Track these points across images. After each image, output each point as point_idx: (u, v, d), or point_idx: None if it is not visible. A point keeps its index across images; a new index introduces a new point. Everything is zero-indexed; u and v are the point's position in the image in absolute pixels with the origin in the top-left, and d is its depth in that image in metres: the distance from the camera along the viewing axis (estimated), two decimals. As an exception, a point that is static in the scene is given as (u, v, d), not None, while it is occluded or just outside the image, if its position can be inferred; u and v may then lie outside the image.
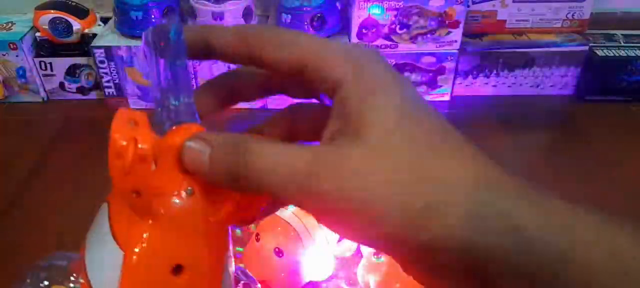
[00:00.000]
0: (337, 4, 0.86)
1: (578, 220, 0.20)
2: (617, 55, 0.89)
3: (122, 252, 0.23)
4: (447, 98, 0.93)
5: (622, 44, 0.92)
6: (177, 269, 0.23)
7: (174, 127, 0.24)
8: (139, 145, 0.22)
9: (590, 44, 0.91)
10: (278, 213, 0.58)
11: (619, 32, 0.95)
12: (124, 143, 0.22)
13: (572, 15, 0.92)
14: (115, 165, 0.22)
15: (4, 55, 0.89)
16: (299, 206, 0.22)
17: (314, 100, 0.28)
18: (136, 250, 0.23)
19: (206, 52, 0.26)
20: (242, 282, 0.44)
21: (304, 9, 0.84)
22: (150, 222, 0.23)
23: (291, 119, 0.28)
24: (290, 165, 0.21)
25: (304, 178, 0.20)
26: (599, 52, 0.90)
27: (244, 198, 0.24)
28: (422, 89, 0.92)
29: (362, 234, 0.21)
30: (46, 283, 0.25)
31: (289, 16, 0.84)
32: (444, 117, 0.23)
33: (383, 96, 0.21)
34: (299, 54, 0.23)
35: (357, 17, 0.84)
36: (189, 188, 0.23)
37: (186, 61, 0.24)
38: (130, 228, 0.23)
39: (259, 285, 0.47)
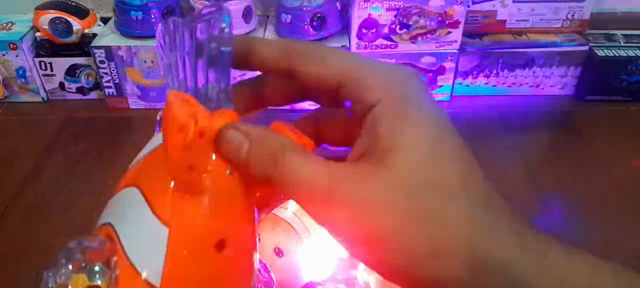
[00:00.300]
0: (337, 4, 0.86)
1: (572, 270, 0.21)
2: (617, 55, 0.89)
3: (167, 228, 0.23)
4: (447, 98, 0.93)
5: (622, 44, 0.92)
6: (220, 244, 0.24)
7: (214, 112, 0.24)
8: (199, 122, 0.23)
9: (590, 44, 0.91)
10: (278, 212, 0.58)
11: (619, 32, 0.95)
12: (185, 119, 0.23)
13: (572, 15, 0.92)
14: (175, 139, 0.23)
15: (4, 55, 0.89)
16: (317, 221, 0.22)
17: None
18: (182, 225, 0.24)
19: (246, 60, 0.26)
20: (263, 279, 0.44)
21: (304, 8, 0.84)
22: (196, 198, 0.24)
23: (317, 123, 0.28)
24: (317, 182, 0.21)
25: (326, 198, 0.21)
26: (599, 52, 0.90)
27: (268, 188, 0.25)
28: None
29: (370, 259, 0.22)
30: (82, 264, 0.25)
31: (289, 16, 0.84)
32: (470, 152, 0.23)
33: (414, 127, 0.22)
34: (338, 70, 0.24)
35: (357, 17, 0.84)
36: (229, 169, 0.24)
37: (231, 48, 0.25)
38: (174, 205, 0.24)
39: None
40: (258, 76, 0.29)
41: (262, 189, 0.25)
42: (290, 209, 0.57)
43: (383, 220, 0.20)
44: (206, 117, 0.23)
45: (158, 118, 0.28)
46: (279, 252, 0.55)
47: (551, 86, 0.93)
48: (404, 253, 0.20)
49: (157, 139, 0.27)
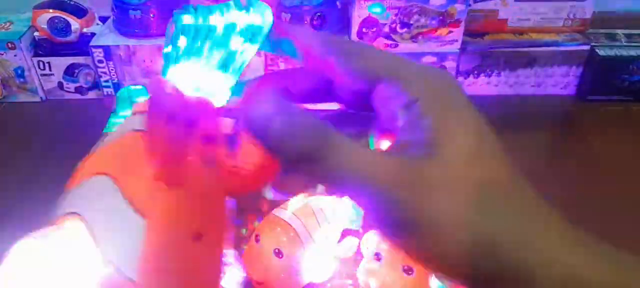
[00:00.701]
0: (337, 3, 0.86)
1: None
2: (619, 55, 0.89)
3: (143, 219, 0.23)
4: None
5: (624, 43, 0.92)
6: (197, 235, 0.24)
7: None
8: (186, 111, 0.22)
9: (592, 44, 0.90)
10: (278, 213, 0.57)
11: (620, 32, 0.94)
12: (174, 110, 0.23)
13: (574, 14, 0.92)
14: (162, 131, 0.22)
15: (2, 54, 0.89)
16: (366, 211, 0.22)
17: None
18: (161, 217, 0.23)
19: (284, 44, 0.26)
20: None
21: (304, 7, 0.83)
22: (176, 190, 0.23)
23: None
24: (370, 170, 0.21)
25: (381, 186, 0.21)
26: (601, 52, 0.89)
27: (253, 175, 0.24)
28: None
29: (429, 250, 0.21)
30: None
31: (289, 14, 0.84)
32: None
33: (462, 121, 0.22)
34: (377, 66, 0.23)
35: (358, 16, 0.84)
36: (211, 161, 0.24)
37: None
38: (153, 197, 0.23)
39: None
40: (282, 71, 0.29)
41: (236, 181, 0.25)
42: (289, 210, 0.57)
43: (446, 204, 0.20)
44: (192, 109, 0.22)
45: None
46: (278, 254, 0.55)
47: (552, 86, 0.93)
48: (464, 243, 0.20)
49: (128, 124, 0.26)
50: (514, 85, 0.93)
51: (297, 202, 0.57)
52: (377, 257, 0.55)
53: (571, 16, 0.92)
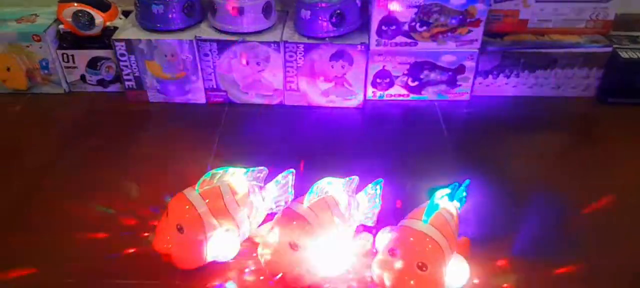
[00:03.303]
0: (357, 1, 0.86)
1: None
2: (642, 57, 0.88)
3: None
4: (466, 97, 0.92)
5: (647, 46, 0.90)
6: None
7: None
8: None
9: (614, 46, 0.89)
10: (294, 207, 0.58)
11: (644, 34, 0.93)
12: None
13: (596, 16, 0.91)
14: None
15: (28, 46, 0.90)
16: None
17: None
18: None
19: None
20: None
21: (324, 5, 0.83)
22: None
23: None
24: None
25: None
26: (623, 54, 0.88)
27: None
28: (442, 88, 0.91)
29: None
30: None
31: (309, 12, 0.84)
32: None
33: None
34: None
35: (377, 14, 0.84)
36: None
37: None
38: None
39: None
40: None
41: None
42: (305, 203, 0.57)
43: None
44: None
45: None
46: (294, 246, 0.55)
47: (572, 88, 0.92)
48: None
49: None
50: (534, 86, 0.92)
51: (312, 196, 0.58)
52: (393, 252, 0.55)
53: (593, 18, 0.91)
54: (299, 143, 0.84)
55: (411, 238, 0.55)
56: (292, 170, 0.66)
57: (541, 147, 0.83)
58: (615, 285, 0.61)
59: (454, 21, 0.84)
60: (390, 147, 0.83)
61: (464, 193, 0.64)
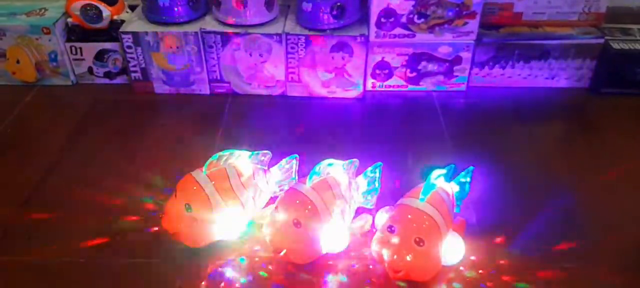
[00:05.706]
0: (357, -6, 0.89)
1: None
2: (633, 49, 0.90)
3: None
4: (463, 88, 0.94)
5: (638, 37, 0.93)
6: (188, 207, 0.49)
7: None
8: None
9: (606, 38, 0.92)
10: (297, 186, 0.60)
11: (635, 27, 0.96)
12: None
13: (589, 8, 0.93)
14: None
15: (38, 39, 0.93)
16: None
17: None
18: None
19: None
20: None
21: (324, -3, 0.86)
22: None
23: None
24: None
25: None
26: (615, 46, 0.91)
27: None
28: (439, 78, 0.94)
29: None
30: None
31: (310, 5, 0.87)
32: None
33: None
34: None
35: (376, 6, 0.87)
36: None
37: None
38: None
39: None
40: None
41: None
42: (308, 183, 0.60)
43: None
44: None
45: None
46: (297, 224, 0.58)
47: (566, 79, 0.95)
48: None
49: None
50: (528, 77, 0.95)
51: (314, 177, 0.60)
52: (391, 229, 0.57)
53: (586, 10, 0.93)
54: (301, 132, 0.87)
55: (409, 215, 0.58)
56: (296, 155, 0.68)
57: (537, 134, 0.86)
58: (612, 261, 0.63)
59: (450, 13, 0.87)
60: (390, 135, 0.86)
61: (468, 179, 0.66)
